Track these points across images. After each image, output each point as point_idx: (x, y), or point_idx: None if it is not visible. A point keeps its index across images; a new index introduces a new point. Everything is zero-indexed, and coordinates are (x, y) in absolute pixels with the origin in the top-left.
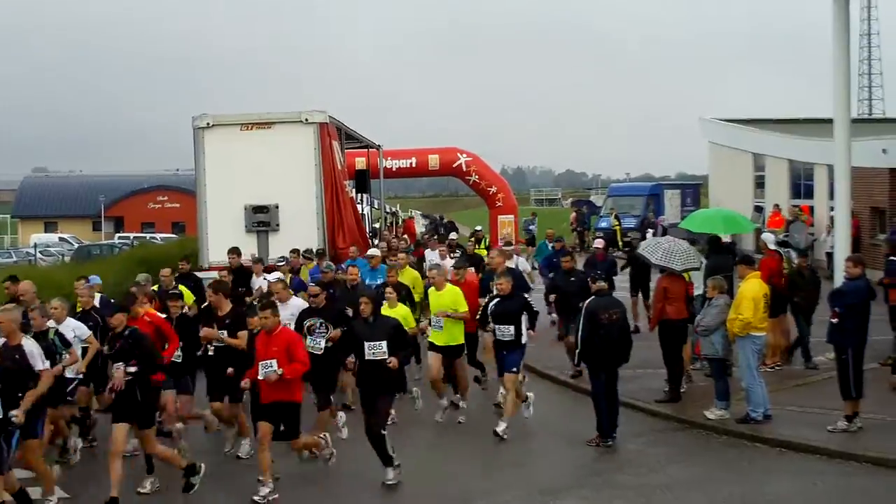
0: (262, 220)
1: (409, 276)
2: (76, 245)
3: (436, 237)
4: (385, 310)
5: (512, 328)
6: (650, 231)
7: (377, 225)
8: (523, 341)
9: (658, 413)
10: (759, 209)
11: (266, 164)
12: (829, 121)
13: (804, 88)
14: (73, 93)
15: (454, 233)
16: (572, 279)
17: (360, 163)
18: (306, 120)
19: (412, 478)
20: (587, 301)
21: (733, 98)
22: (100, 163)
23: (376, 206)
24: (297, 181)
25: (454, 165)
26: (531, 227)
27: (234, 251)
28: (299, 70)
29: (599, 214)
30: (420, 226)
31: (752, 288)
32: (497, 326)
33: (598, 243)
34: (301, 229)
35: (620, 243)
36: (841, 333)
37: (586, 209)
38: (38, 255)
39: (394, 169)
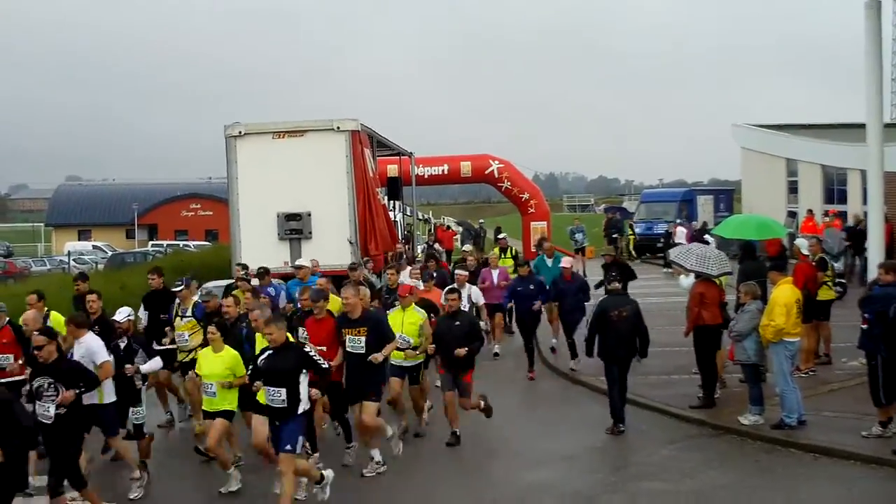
0: (294, 227)
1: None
2: (110, 253)
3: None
4: (207, 355)
5: (283, 392)
6: (711, 238)
7: (409, 232)
8: (301, 409)
9: (692, 419)
10: (792, 214)
11: (298, 172)
12: (862, 126)
13: (828, 95)
14: (105, 102)
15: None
16: (457, 323)
17: (392, 170)
18: (338, 128)
19: (445, 485)
20: (600, 300)
21: (763, 103)
22: (132, 171)
23: (408, 214)
24: (329, 189)
25: (486, 172)
26: (577, 236)
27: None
28: (304, 81)
29: (633, 221)
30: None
31: (783, 294)
32: (267, 388)
33: (565, 262)
34: (333, 237)
35: (634, 253)
36: (871, 340)
37: (619, 215)
38: (72, 262)
39: (426, 176)
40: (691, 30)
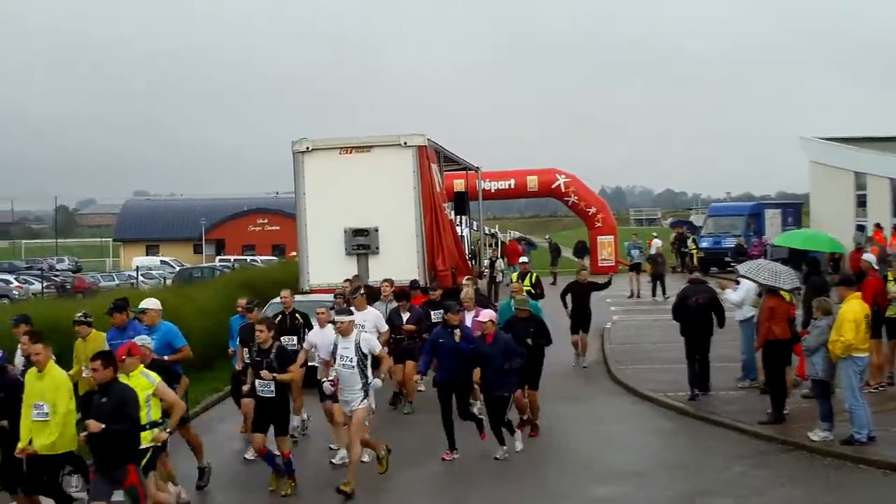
0: (361, 243)
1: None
2: (177, 268)
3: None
4: None
5: None
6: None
7: (476, 247)
8: None
9: (761, 435)
10: (860, 228)
11: (365, 188)
12: None
13: None
14: (173, 116)
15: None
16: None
17: (459, 185)
18: (405, 143)
19: (511, 500)
20: (682, 288)
21: (833, 114)
22: (199, 186)
23: (475, 228)
24: (396, 204)
25: (553, 186)
26: (633, 252)
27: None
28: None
29: (700, 235)
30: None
31: (852, 309)
32: None
33: (484, 315)
34: (401, 252)
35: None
36: None
37: (687, 229)
38: (140, 277)
39: (492, 190)
40: (757, 31)
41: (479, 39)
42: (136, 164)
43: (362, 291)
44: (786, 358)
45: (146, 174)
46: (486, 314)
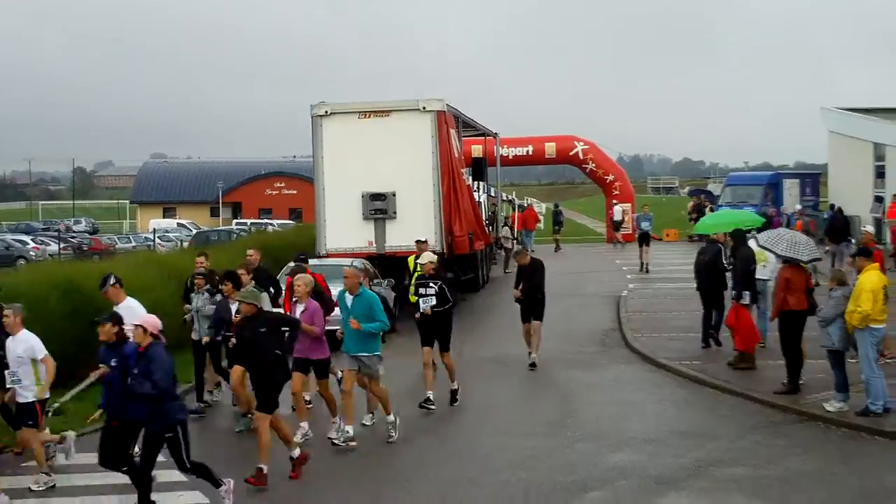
0: (379, 207)
1: None
2: (194, 231)
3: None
4: None
5: None
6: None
7: (493, 213)
8: None
9: (776, 405)
10: (879, 199)
11: (383, 152)
12: None
13: None
14: (191, 80)
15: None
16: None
17: (477, 150)
18: (424, 108)
19: (527, 466)
20: (700, 247)
21: (855, 84)
22: (217, 149)
23: (492, 194)
24: (414, 169)
25: (571, 153)
26: (643, 224)
27: None
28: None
29: (718, 204)
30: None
31: (870, 279)
32: None
33: (138, 319)
34: (418, 217)
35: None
36: None
37: (705, 198)
38: (157, 240)
39: (510, 157)
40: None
41: (503, 4)
42: (154, 126)
43: (113, 281)
44: (801, 328)
45: (164, 136)
46: (139, 318)
